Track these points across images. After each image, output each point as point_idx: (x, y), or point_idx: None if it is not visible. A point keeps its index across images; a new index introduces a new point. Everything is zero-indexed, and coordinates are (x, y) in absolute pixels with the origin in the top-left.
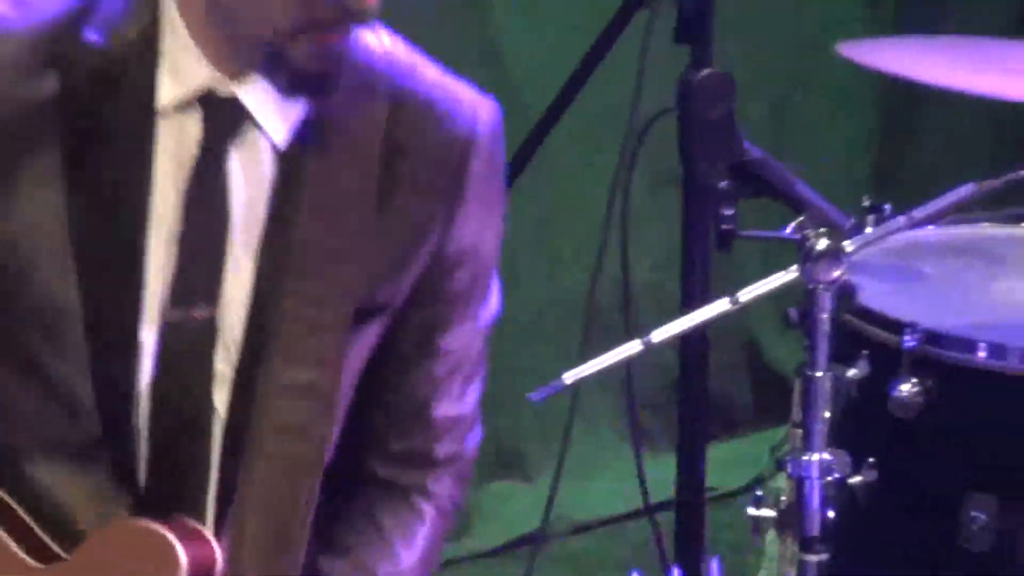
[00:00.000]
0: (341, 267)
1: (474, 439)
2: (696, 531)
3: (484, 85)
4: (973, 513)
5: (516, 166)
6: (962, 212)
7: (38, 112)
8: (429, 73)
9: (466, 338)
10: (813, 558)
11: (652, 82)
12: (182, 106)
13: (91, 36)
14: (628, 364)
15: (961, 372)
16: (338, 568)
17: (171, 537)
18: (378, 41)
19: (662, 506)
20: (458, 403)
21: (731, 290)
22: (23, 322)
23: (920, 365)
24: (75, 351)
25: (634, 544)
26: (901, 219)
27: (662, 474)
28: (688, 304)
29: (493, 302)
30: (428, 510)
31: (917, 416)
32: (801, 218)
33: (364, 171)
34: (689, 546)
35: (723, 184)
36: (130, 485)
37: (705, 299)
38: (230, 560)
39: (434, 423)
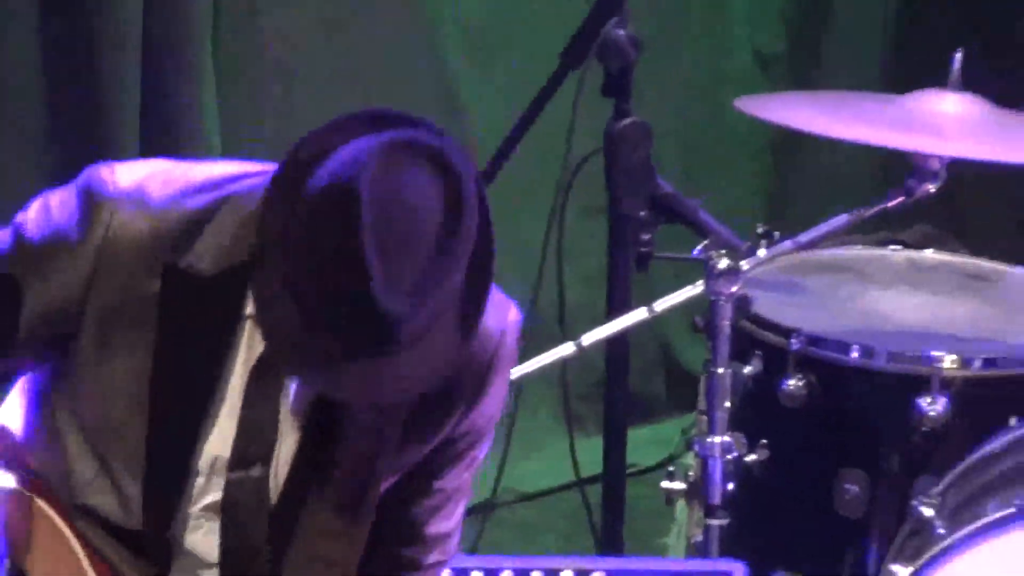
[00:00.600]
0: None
1: (456, 544)
2: (619, 501)
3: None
4: (846, 486)
5: None
6: (838, 237)
7: (141, 303)
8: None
9: (462, 476)
10: (715, 522)
11: (583, 129)
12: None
13: (197, 264)
14: (563, 363)
15: (837, 370)
16: None
17: None
18: None
19: (591, 480)
20: (447, 521)
21: (648, 301)
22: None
23: (803, 364)
24: (132, 463)
25: (568, 511)
26: (788, 243)
27: (591, 454)
28: (612, 314)
29: (488, 442)
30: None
31: (801, 406)
32: (705, 242)
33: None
34: (612, 513)
35: (642, 214)
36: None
37: (627, 309)
38: None
39: (426, 539)
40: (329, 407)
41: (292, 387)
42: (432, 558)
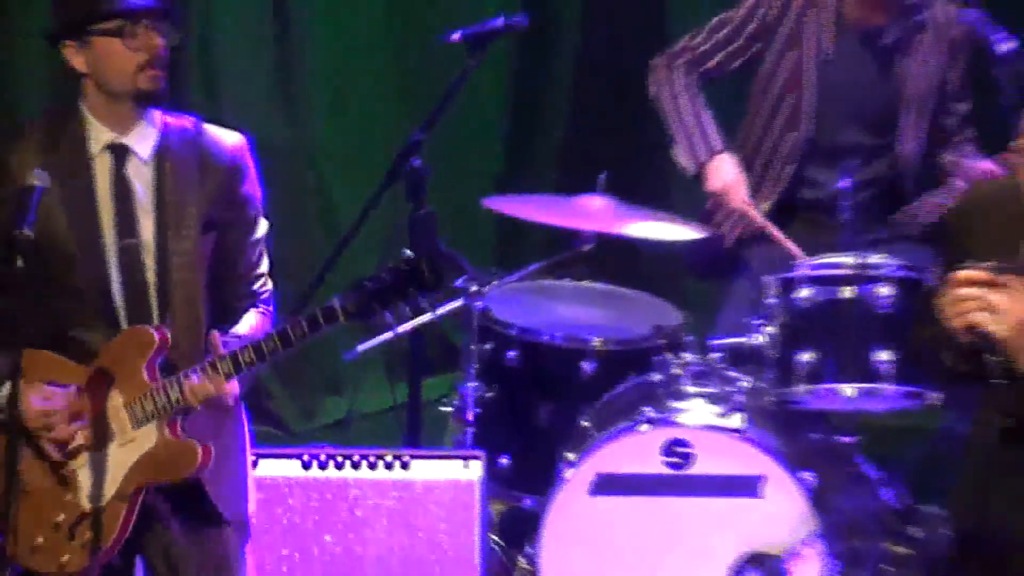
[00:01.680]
0: (187, 209)
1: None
2: (418, 416)
3: (300, 186)
4: (542, 410)
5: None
6: (540, 273)
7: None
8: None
9: (256, 237)
10: (468, 429)
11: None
12: (100, 152)
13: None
14: (389, 342)
15: (537, 346)
16: (245, 323)
17: (147, 327)
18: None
19: (402, 406)
20: (257, 268)
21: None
22: (55, 263)
23: (519, 343)
24: (73, 265)
25: (390, 424)
26: (514, 276)
27: (403, 391)
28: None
29: (263, 225)
30: (261, 308)
31: (517, 366)
32: (464, 276)
33: (189, 169)
34: (413, 424)
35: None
36: (116, 322)
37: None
38: (172, 336)
39: (255, 278)
40: (157, 181)
41: (137, 186)
42: (261, 287)
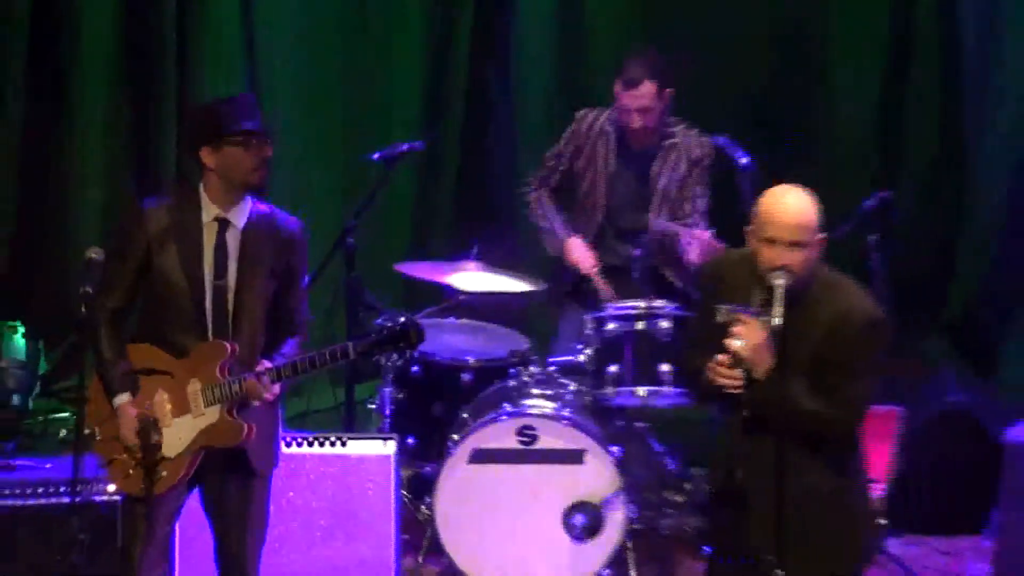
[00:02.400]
0: (259, 266)
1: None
2: (352, 410)
3: None
4: (436, 410)
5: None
6: (434, 314)
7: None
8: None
9: (302, 288)
10: (387, 420)
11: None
12: (210, 222)
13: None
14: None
15: (435, 363)
16: (287, 347)
17: (223, 341)
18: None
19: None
20: (301, 309)
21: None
22: (169, 291)
23: (420, 361)
24: (182, 293)
25: (334, 417)
26: (417, 316)
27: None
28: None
29: (305, 281)
30: (299, 336)
31: (421, 377)
32: (383, 315)
33: (265, 240)
34: (349, 415)
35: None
36: (205, 334)
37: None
38: (239, 350)
39: (298, 315)
40: (245, 246)
41: (230, 246)
42: (301, 320)
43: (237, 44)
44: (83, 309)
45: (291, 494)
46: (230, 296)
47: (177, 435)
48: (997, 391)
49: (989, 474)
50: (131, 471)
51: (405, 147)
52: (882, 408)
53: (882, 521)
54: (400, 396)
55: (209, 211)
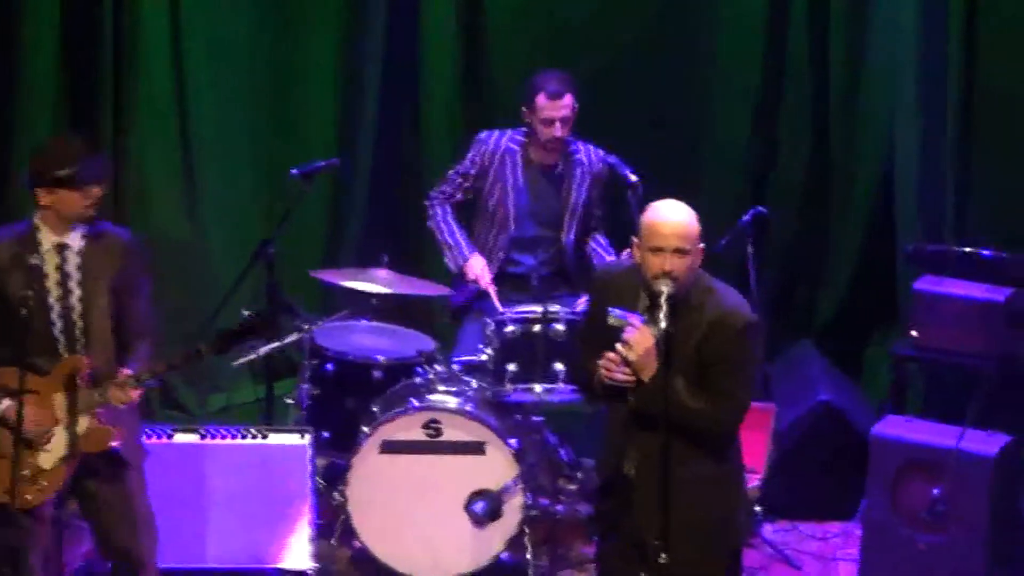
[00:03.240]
0: (100, 282)
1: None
2: (271, 404)
3: (195, 267)
4: (348, 403)
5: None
6: (347, 316)
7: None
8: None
9: (143, 293)
10: (303, 413)
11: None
12: (50, 249)
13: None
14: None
15: (346, 362)
16: (141, 351)
17: (79, 356)
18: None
19: (263, 399)
20: (147, 313)
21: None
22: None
23: (335, 360)
24: (32, 317)
25: (256, 409)
26: (331, 319)
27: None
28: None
29: (146, 289)
30: (149, 338)
31: (333, 374)
32: (300, 318)
33: (101, 257)
34: (269, 411)
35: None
36: (58, 353)
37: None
38: (95, 362)
39: (146, 319)
40: (85, 266)
41: (71, 269)
42: (149, 330)
43: (165, 59)
44: None
45: (215, 482)
46: (76, 316)
47: (50, 447)
48: (861, 391)
49: (857, 466)
50: (8, 483)
51: (322, 164)
52: (759, 404)
53: (758, 508)
54: (316, 392)
55: (47, 239)
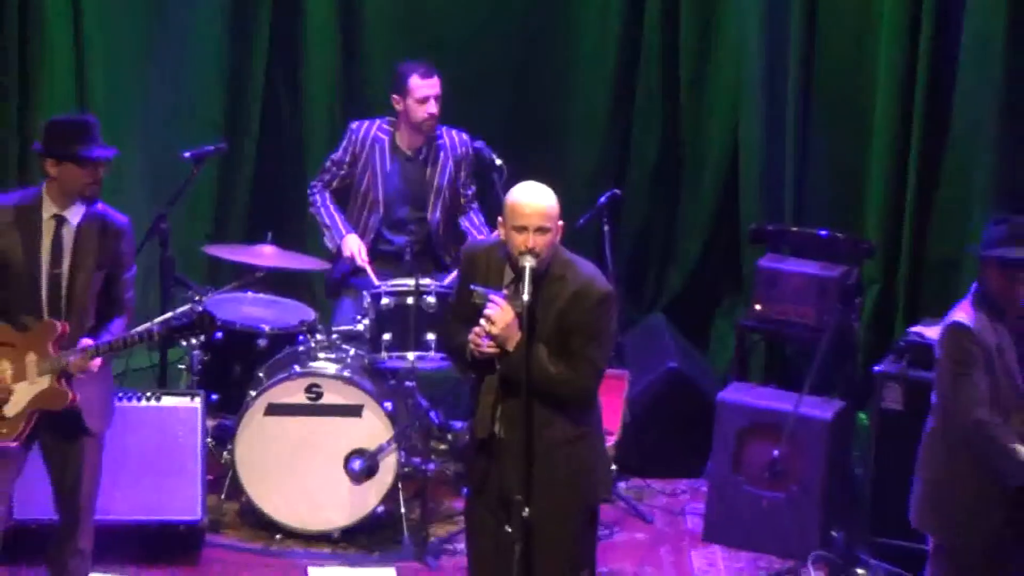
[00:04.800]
0: (89, 257)
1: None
2: (165, 370)
3: None
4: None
5: None
6: (234, 288)
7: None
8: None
9: (128, 275)
10: (195, 378)
11: None
12: (49, 219)
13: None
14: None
15: (234, 331)
16: (114, 325)
17: (56, 321)
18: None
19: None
20: (127, 293)
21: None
22: (13, 278)
23: (224, 329)
24: (23, 280)
25: (152, 376)
26: (220, 291)
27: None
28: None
29: (132, 270)
30: (126, 316)
31: (222, 342)
32: (191, 290)
33: (95, 235)
34: (164, 374)
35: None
36: (41, 315)
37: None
38: (70, 329)
39: (125, 299)
40: (79, 239)
41: (65, 240)
42: (128, 303)
43: (67, 48)
44: None
45: (114, 442)
46: (63, 283)
47: (15, 398)
48: (708, 360)
49: (703, 429)
50: None
51: (211, 148)
52: (614, 371)
53: (613, 466)
54: (206, 358)
55: (48, 209)
